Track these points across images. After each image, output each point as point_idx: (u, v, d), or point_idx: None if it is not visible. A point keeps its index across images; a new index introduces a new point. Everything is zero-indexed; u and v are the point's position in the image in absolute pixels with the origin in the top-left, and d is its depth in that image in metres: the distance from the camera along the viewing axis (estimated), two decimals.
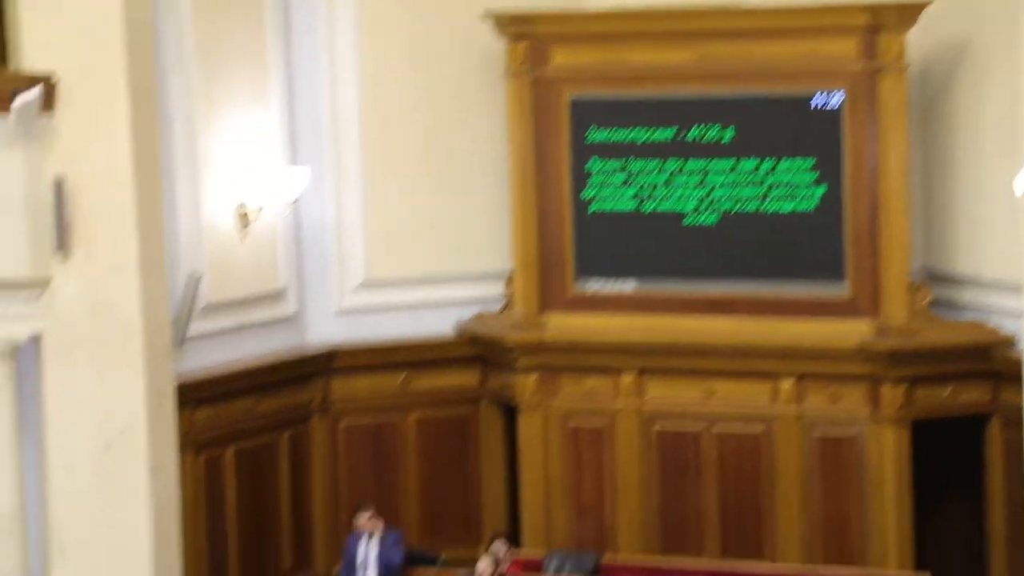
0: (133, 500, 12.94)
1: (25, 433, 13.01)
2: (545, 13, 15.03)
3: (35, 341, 12.97)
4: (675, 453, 14.84)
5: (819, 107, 14.36)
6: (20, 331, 12.85)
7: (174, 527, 13.35)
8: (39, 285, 12.85)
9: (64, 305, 12.86)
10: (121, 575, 12.88)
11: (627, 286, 14.98)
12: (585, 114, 14.92)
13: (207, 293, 14.12)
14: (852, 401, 14.36)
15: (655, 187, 14.83)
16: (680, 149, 14.73)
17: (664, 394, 14.88)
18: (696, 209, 14.75)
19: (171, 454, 13.34)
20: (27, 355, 13.08)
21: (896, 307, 14.21)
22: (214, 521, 14.29)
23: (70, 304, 12.85)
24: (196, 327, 14.00)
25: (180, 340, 13.76)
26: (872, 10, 14.06)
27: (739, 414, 14.65)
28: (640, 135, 14.84)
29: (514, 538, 15.14)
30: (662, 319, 14.81)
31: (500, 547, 14.26)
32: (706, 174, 14.69)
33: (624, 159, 14.89)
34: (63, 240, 12.75)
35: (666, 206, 14.81)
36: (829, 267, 14.41)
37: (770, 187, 14.54)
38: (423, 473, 15.68)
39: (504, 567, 13.93)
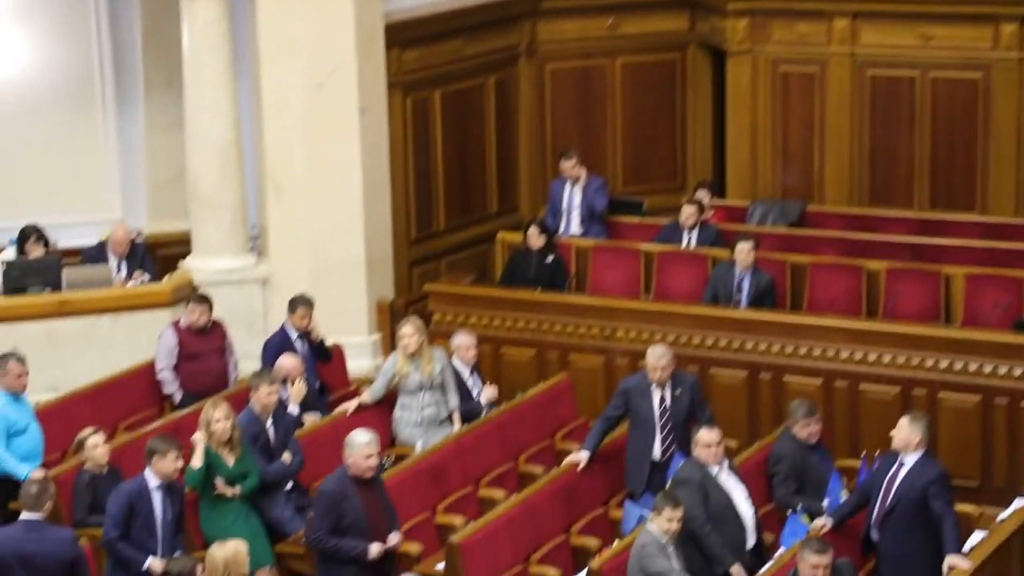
0: (343, 140, 13.10)
1: (240, 70, 13.16)
2: None
3: None
4: (888, 100, 14.49)
5: None
6: None
7: (383, 167, 13.51)
8: None
9: None
10: (333, 213, 13.13)
11: None
12: None
13: None
14: None
15: None
16: None
17: (878, 39, 14.44)
18: None
19: (380, 95, 13.41)
20: None
21: None
22: (422, 163, 14.40)
23: None
24: None
25: None
26: None
27: (956, 60, 14.19)
28: None
29: (719, 187, 15.05)
30: None
31: (704, 195, 14.21)
32: None
33: None
34: None
35: None
36: None
37: None
38: (628, 119, 15.55)
39: (708, 215, 13.87)
